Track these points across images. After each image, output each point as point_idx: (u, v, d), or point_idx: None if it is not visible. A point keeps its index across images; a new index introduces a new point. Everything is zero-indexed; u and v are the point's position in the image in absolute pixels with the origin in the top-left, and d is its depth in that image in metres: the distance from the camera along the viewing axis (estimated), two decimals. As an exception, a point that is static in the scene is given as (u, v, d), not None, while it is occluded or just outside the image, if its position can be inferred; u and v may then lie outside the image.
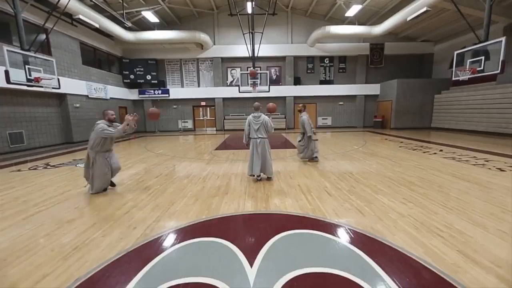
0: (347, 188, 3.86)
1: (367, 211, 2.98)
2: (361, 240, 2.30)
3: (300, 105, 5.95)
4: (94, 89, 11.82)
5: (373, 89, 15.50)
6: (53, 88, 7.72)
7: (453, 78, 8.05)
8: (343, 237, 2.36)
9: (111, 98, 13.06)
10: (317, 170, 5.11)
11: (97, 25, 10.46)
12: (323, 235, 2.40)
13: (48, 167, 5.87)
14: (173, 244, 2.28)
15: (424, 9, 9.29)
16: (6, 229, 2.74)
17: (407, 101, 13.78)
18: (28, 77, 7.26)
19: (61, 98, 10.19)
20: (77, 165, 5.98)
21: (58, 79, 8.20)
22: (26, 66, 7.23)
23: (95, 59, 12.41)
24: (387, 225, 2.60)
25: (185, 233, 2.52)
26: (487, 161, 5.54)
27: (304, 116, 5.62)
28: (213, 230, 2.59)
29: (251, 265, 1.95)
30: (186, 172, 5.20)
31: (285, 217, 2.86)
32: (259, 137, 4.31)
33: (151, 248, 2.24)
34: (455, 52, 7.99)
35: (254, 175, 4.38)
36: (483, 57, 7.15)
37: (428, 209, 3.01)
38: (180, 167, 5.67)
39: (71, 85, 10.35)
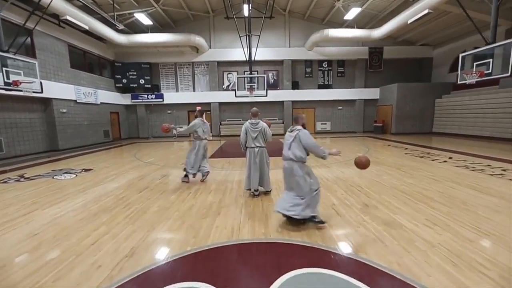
0: (358, 206, 3.36)
1: (388, 238, 2.47)
2: (391, 286, 1.78)
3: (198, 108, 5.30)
4: (83, 93, 11.25)
5: (372, 93, 15.20)
6: (34, 92, 7.17)
7: (459, 82, 7.71)
8: (365, 280, 1.84)
9: (101, 103, 12.49)
10: (320, 181, 4.59)
11: (86, 27, 9.97)
12: (339, 277, 1.87)
13: (22, 179, 5.27)
14: (144, 294, 1.73)
15: (426, 11, 9.01)
16: None
17: (408, 106, 13.46)
18: (6, 80, 6.71)
19: (46, 103, 9.59)
20: (55, 177, 5.39)
21: (41, 83, 7.65)
22: (4, 69, 6.68)
23: (85, 62, 11.88)
24: (416, 260, 2.09)
25: (161, 275, 1.97)
26: (504, 170, 5.10)
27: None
28: (198, 268, 2.04)
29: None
30: (174, 185, 4.64)
31: (289, 248, 2.33)
32: (257, 146, 3.83)
33: (113, 302, 1.69)
34: (461, 55, 7.66)
35: (251, 190, 3.86)
36: (491, 60, 6.82)
37: (460, 234, 2.51)
38: (168, 179, 5.12)
39: (58, 90, 9.78)
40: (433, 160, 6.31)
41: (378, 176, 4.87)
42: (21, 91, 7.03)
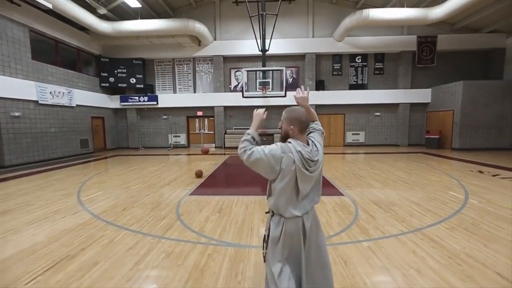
0: None
1: None
2: None
3: None
4: (51, 93, 8.83)
5: (421, 95, 11.72)
6: None
7: None
8: None
9: (78, 105, 10.06)
10: None
11: (49, 5, 7.57)
12: None
13: None
14: None
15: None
16: None
17: (478, 112, 9.87)
18: None
19: (-10, 103, 7.19)
20: None
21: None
22: None
23: (58, 54, 9.52)
24: None
25: None
26: None
27: None
28: None
29: None
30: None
31: None
32: (308, 212, 1.34)
33: None
34: None
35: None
36: None
37: None
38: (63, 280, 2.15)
39: (8, 86, 7.37)
40: None
41: None
42: None
